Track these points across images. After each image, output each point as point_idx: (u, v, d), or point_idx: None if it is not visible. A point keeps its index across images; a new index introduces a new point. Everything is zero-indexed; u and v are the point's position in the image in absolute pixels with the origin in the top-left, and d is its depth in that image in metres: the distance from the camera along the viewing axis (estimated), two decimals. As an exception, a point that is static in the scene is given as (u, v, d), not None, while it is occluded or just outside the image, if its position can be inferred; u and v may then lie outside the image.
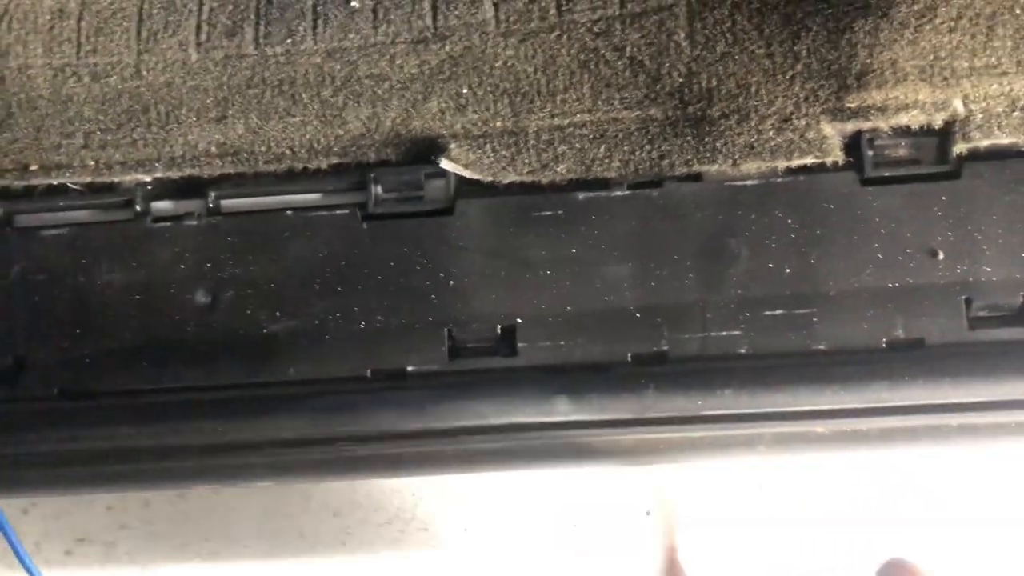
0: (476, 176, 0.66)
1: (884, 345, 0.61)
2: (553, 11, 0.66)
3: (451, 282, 0.65)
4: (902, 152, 0.64)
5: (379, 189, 0.66)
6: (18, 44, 0.69)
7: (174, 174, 0.68)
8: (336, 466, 0.64)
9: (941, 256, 0.62)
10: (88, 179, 0.69)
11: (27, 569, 0.64)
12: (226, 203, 0.68)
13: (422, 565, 0.70)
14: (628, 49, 0.65)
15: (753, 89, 0.63)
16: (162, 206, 0.69)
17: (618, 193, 0.65)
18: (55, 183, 0.69)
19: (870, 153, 0.63)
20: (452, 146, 0.66)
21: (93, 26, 0.69)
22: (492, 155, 0.66)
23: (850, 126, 0.63)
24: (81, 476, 0.64)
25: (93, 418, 0.64)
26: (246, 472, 0.63)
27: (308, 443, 0.62)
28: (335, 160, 0.68)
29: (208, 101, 0.68)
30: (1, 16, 0.69)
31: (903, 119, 0.62)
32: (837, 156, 0.63)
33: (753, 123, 0.63)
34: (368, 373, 0.64)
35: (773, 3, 0.63)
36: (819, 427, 0.60)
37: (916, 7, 0.60)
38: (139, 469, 0.64)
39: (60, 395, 0.65)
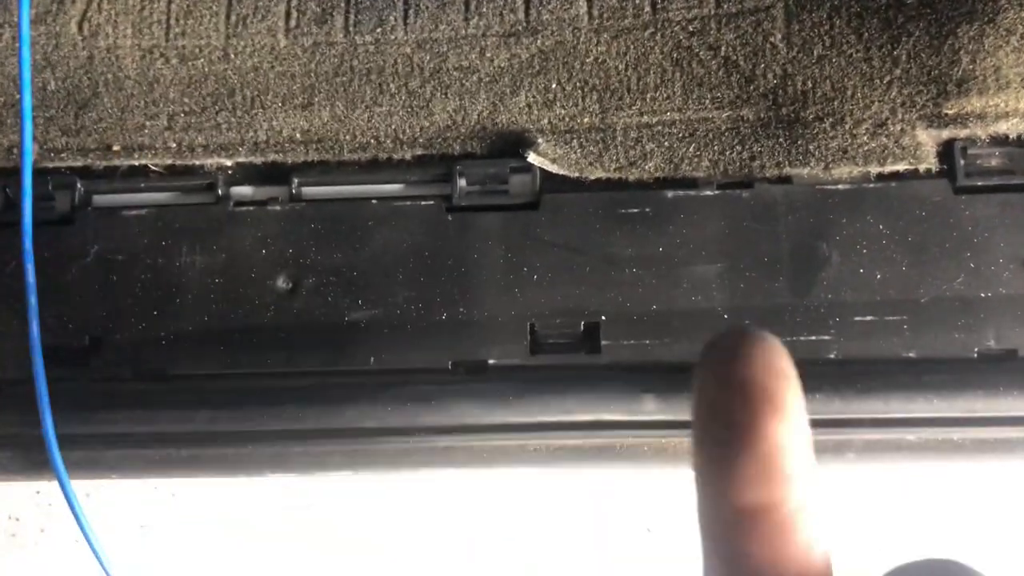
0: (562, 171, 0.65)
1: (975, 355, 0.60)
2: (648, 9, 0.66)
3: (535, 277, 0.64)
4: (995, 162, 0.63)
5: (463, 182, 0.66)
6: (108, 24, 0.69)
7: (257, 159, 0.68)
8: (416, 457, 0.63)
9: (1036, 267, 0.61)
10: (170, 161, 0.68)
11: (93, 551, 0.63)
12: (308, 190, 0.68)
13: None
14: (723, 49, 0.65)
15: (849, 93, 0.63)
16: (244, 191, 0.69)
17: (707, 193, 0.64)
18: (137, 164, 0.69)
19: (962, 162, 0.63)
20: (539, 141, 0.66)
21: (183, 8, 0.69)
22: (579, 151, 0.66)
23: (946, 133, 0.62)
24: (154, 460, 0.63)
25: (168, 401, 0.63)
26: (323, 461, 0.63)
27: (388, 433, 0.61)
28: (420, 151, 0.67)
29: (294, 87, 0.68)
30: (93, -5, 0.69)
31: (1002, 127, 0.61)
32: (931, 163, 0.62)
33: (847, 127, 0.63)
34: (449, 365, 0.63)
35: (874, 7, 0.63)
36: (911, 435, 0.59)
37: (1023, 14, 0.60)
38: (214, 454, 0.63)
39: (135, 377, 0.64)
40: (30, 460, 0.62)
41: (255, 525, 0.72)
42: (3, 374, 0.64)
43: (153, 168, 0.69)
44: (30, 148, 0.64)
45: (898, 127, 0.62)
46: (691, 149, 0.65)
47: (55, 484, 0.69)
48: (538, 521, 0.71)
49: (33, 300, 0.62)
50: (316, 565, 0.73)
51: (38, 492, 0.70)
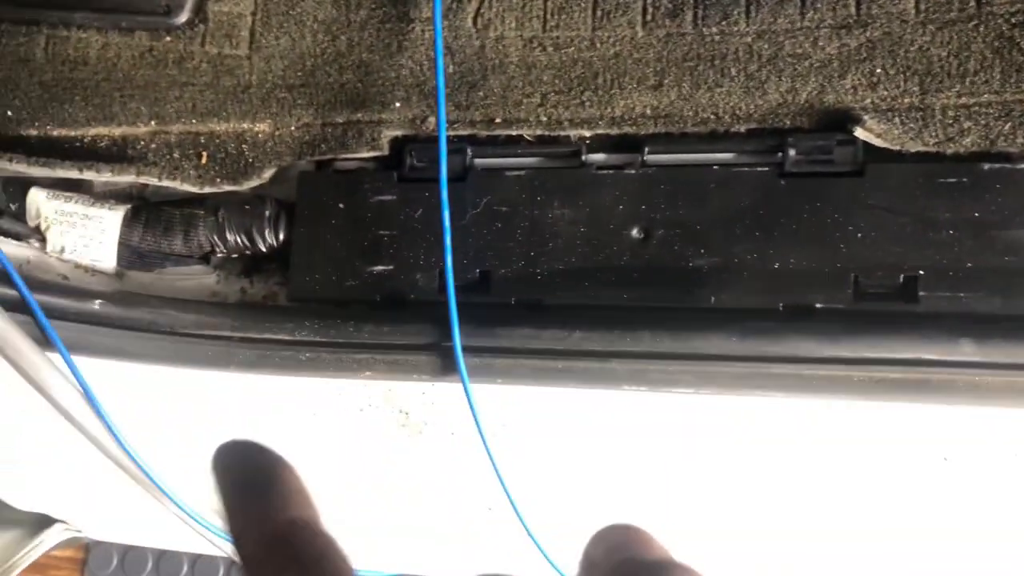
0: (885, 145, 0.75)
1: None
2: (973, 3, 0.75)
3: (858, 235, 0.74)
4: None
5: (793, 152, 0.77)
6: (496, 19, 0.85)
7: (613, 131, 0.82)
8: (748, 382, 0.75)
9: None
10: (540, 132, 0.83)
11: (486, 448, 0.80)
12: (655, 158, 0.81)
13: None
14: (1043, 38, 0.73)
15: None
16: (599, 158, 0.83)
17: (1022, 166, 0.72)
18: (513, 134, 0.84)
19: None
20: (864, 117, 0.76)
21: (558, 5, 0.84)
22: (900, 127, 0.75)
23: None
24: (534, 369, 0.79)
25: (544, 323, 0.79)
26: (674, 380, 0.76)
27: (729, 359, 0.74)
28: (753, 125, 0.79)
29: (648, 71, 0.81)
30: (487, -4, 0.85)
31: None
32: None
33: None
34: (780, 307, 0.75)
35: None
36: None
37: None
38: (584, 367, 0.78)
39: (517, 303, 0.80)
40: (439, 364, 0.79)
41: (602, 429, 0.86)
42: (417, 296, 0.81)
43: (527, 137, 0.84)
44: (444, 120, 0.80)
45: None
46: (1007, 127, 0.73)
47: (438, 386, 0.87)
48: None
49: (448, 239, 0.78)
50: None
51: (423, 393, 0.88)
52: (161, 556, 1.50)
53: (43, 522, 1.18)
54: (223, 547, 0.99)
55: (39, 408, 0.92)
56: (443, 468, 0.91)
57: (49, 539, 1.17)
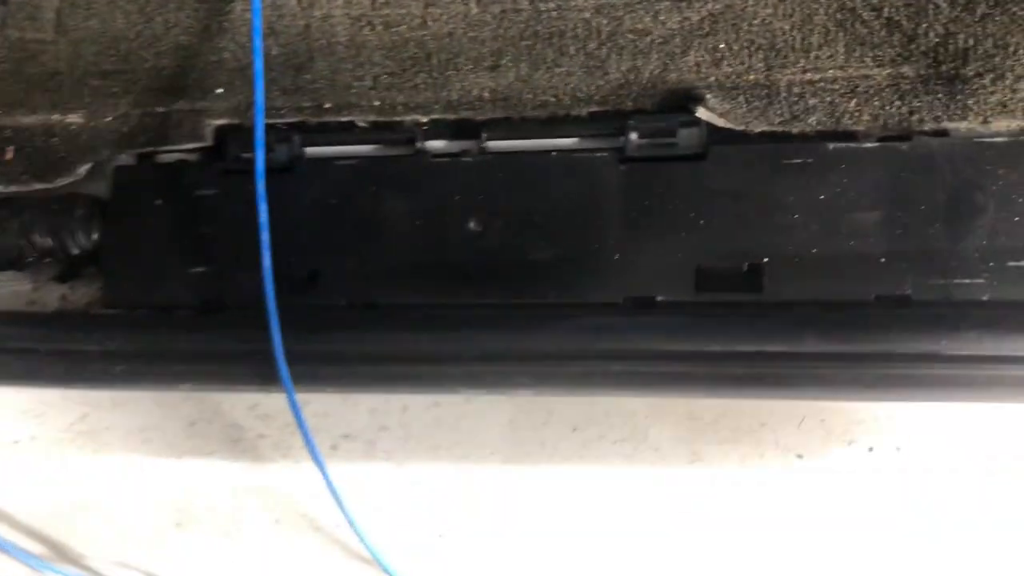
0: (729, 125, 0.71)
1: None
2: (814, -27, 0.71)
3: (701, 221, 0.70)
4: None
5: (635, 135, 0.73)
6: (323, -4, 0.79)
7: (449, 116, 0.77)
8: (588, 381, 0.71)
9: None
10: (373, 118, 0.78)
11: (314, 455, 0.74)
12: (494, 144, 0.76)
13: (649, 483, 0.76)
14: (886, 9, 0.69)
15: (1011, 49, 0.66)
16: (437, 144, 0.78)
17: (867, 145, 0.69)
18: (344, 120, 0.78)
19: (1123, 116, 0.65)
20: (707, 96, 0.71)
21: (387, -19, 0.78)
22: (745, 106, 0.71)
23: (1109, 87, 0.65)
24: (362, 375, 0.73)
25: (375, 325, 0.73)
26: (509, 380, 0.71)
27: (566, 357, 0.69)
28: (595, 108, 0.74)
29: (484, 51, 0.76)
30: (309, -29, 0.79)
31: None
32: (1092, 118, 0.65)
33: (1008, 82, 0.66)
34: (621, 300, 0.71)
35: (1039, -34, 0.66)
36: (1063, 373, 0.63)
37: None
38: (413, 372, 0.72)
39: (348, 305, 0.74)
40: (263, 374, 0.73)
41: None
42: (238, 300, 0.75)
43: (360, 124, 0.78)
44: (262, 106, 0.74)
45: (1060, 82, 0.65)
46: (852, 104, 0.69)
47: (272, 397, 0.80)
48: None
49: (265, 236, 0.72)
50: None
51: (255, 406, 0.82)
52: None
53: None
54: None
55: None
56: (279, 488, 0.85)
57: None
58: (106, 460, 0.84)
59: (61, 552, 0.86)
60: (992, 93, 0.67)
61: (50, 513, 0.86)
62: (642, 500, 0.76)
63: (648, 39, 0.73)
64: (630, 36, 0.74)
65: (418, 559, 0.79)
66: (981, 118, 0.67)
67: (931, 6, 0.68)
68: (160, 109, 0.80)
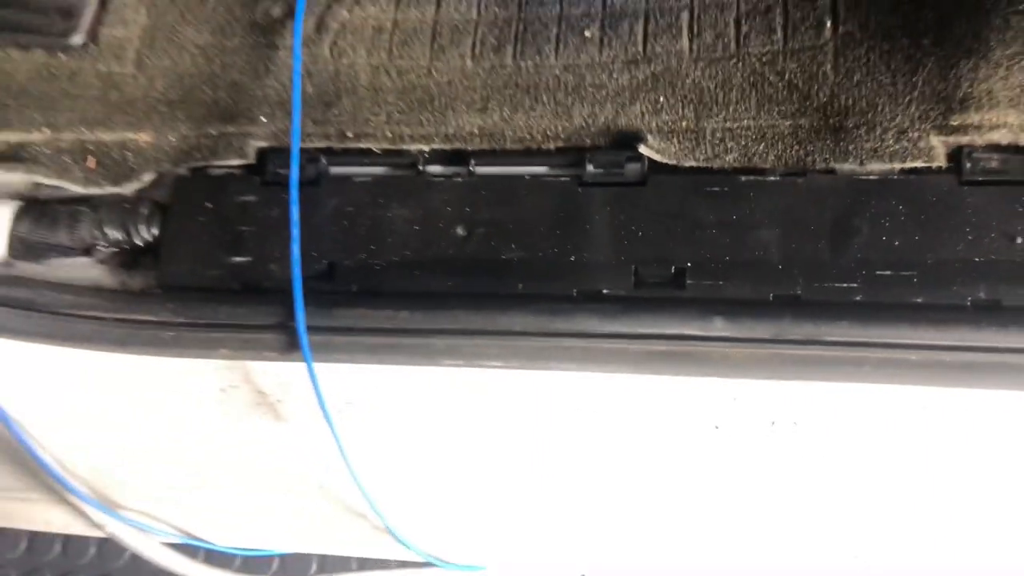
0: (665, 160, 0.90)
1: (968, 304, 0.81)
2: (733, 45, 0.91)
3: (639, 233, 0.88)
4: (994, 164, 0.84)
5: (591, 166, 0.91)
6: (349, 48, 0.99)
7: (446, 146, 0.96)
8: (546, 355, 0.88)
9: (1019, 240, 0.81)
10: (385, 146, 0.97)
11: (326, 417, 0.91)
12: (480, 169, 0.95)
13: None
14: (787, 75, 0.89)
15: (879, 108, 0.85)
16: (435, 168, 0.97)
17: (772, 178, 0.87)
18: (362, 147, 0.97)
19: (968, 164, 0.84)
20: (649, 138, 0.90)
21: (400, 39, 0.99)
22: (677, 146, 0.90)
23: (952, 140, 0.84)
24: (367, 347, 0.91)
25: (380, 306, 0.91)
26: (483, 353, 0.88)
27: (530, 334, 0.87)
28: (561, 144, 0.94)
29: (475, 96, 0.96)
30: (341, 29, 0.99)
31: (994, 136, 0.82)
32: (941, 162, 0.84)
33: (878, 133, 0.85)
34: (574, 292, 0.88)
35: (899, 46, 0.86)
36: (912, 355, 0.80)
37: (1008, 51, 0.81)
38: (407, 345, 0.90)
39: (358, 291, 0.92)
40: (287, 342, 0.90)
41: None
42: (271, 284, 0.93)
43: (374, 150, 0.97)
44: (298, 133, 0.93)
45: (916, 134, 0.84)
46: (761, 147, 0.88)
47: (291, 368, 0.97)
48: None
49: (295, 233, 0.90)
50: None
51: (277, 374, 0.98)
52: (67, 541, 1.58)
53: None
54: (100, 520, 1.08)
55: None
56: (296, 443, 1.02)
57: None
58: (147, 420, 1.02)
59: (102, 495, 1.02)
60: (867, 141, 0.86)
61: (93, 460, 1.02)
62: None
63: (604, 92, 0.93)
64: (590, 89, 0.94)
65: (410, 508, 0.95)
66: (859, 161, 0.86)
67: (821, 73, 0.88)
68: (213, 132, 1.00)
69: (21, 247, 0.99)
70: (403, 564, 1.19)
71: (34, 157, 1.00)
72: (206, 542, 1.15)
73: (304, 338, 0.89)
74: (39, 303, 0.94)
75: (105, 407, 1.04)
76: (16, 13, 1.02)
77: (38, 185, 1.03)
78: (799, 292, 0.84)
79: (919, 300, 0.82)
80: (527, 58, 0.96)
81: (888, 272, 0.83)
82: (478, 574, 1.21)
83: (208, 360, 0.96)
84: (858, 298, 0.83)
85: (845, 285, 0.84)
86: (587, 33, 0.95)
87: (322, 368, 0.92)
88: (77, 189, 0.99)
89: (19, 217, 0.99)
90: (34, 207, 1.00)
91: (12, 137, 1.01)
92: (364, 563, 1.23)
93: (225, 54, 1.01)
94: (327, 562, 1.45)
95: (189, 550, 1.13)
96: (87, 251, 1.00)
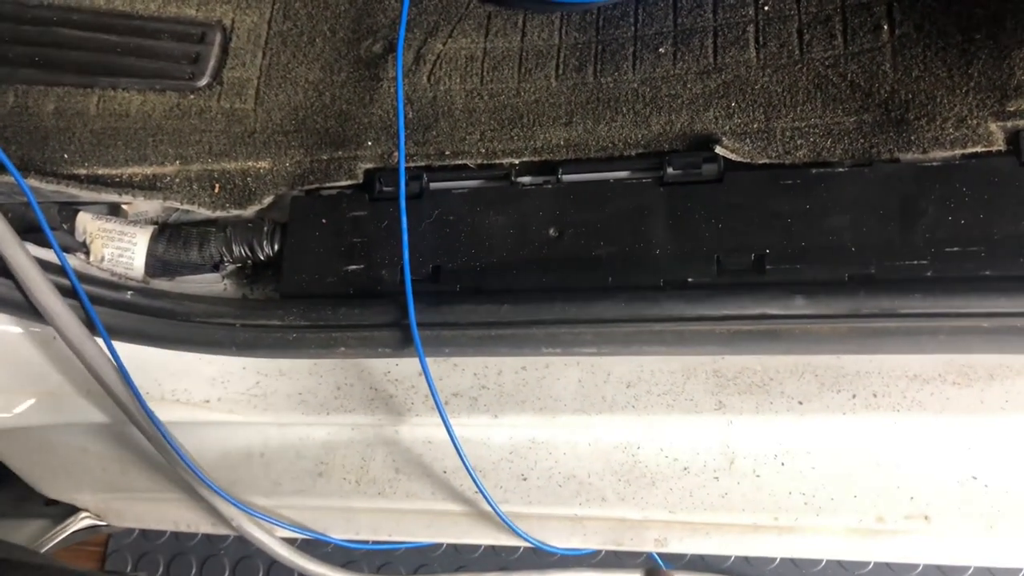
0: (739, 159, 0.98)
1: (1035, 273, 0.87)
2: (797, 52, 0.99)
3: (719, 226, 0.96)
4: (1051, 145, 0.91)
5: (671, 168, 1.00)
6: (446, 76, 1.10)
7: (535, 159, 1.05)
8: (637, 339, 0.95)
9: (1082, 214, 0.87)
10: (480, 161, 1.07)
11: (438, 407, 0.99)
12: (567, 177, 1.04)
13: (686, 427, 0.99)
14: (849, 76, 0.97)
15: (938, 99, 0.92)
16: (526, 179, 1.06)
17: (840, 170, 0.95)
18: (459, 163, 1.07)
19: (1026, 145, 0.90)
20: (723, 139, 0.99)
21: (490, 65, 1.09)
22: (750, 145, 0.98)
23: (1010, 124, 0.90)
24: (471, 341, 0.99)
25: (480, 302, 0.99)
26: (578, 341, 0.96)
27: (621, 321, 0.94)
28: (641, 150, 1.02)
29: (560, 112, 1.05)
30: (437, 60, 1.11)
31: (1051, 118, 0.89)
32: (1000, 146, 0.90)
33: (938, 123, 0.92)
34: (661, 282, 0.96)
35: (953, 42, 0.93)
36: (984, 323, 0.86)
37: (1058, 40, 0.88)
38: (508, 336, 0.98)
39: (461, 290, 1.01)
40: (400, 338, 0.99)
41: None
42: (382, 288, 1.02)
43: (470, 165, 1.07)
44: (403, 154, 1.04)
45: (975, 122, 0.91)
46: (828, 142, 0.96)
47: (401, 365, 1.06)
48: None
49: (405, 240, 1.00)
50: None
51: (387, 372, 1.07)
52: (173, 559, 1.68)
53: (68, 512, 1.35)
54: (236, 520, 1.16)
55: (74, 400, 1.12)
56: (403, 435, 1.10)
57: (73, 527, 1.33)
58: (271, 418, 1.11)
59: (229, 488, 1.11)
60: (928, 131, 0.93)
61: (227, 458, 1.11)
62: (681, 439, 0.99)
63: (679, 101, 1.02)
64: (666, 99, 1.03)
65: (508, 494, 1.02)
66: (921, 149, 0.93)
67: (880, 72, 0.96)
68: (325, 157, 1.11)
69: (157, 266, 1.11)
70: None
71: (168, 187, 1.12)
72: (327, 536, 1.23)
73: (416, 333, 0.98)
74: (177, 312, 1.05)
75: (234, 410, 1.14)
76: (153, 62, 1.15)
77: (169, 210, 1.15)
78: (872, 271, 0.91)
79: (987, 272, 0.88)
80: (606, 75, 1.05)
81: (956, 248, 0.89)
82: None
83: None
84: (928, 273, 0.89)
85: (916, 262, 0.90)
86: (661, 50, 1.05)
87: (430, 363, 1.01)
88: (206, 212, 1.11)
89: (154, 239, 1.11)
90: (167, 230, 1.12)
91: (148, 170, 1.13)
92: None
93: (334, 88, 1.13)
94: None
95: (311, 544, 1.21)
96: (215, 267, 1.11)
